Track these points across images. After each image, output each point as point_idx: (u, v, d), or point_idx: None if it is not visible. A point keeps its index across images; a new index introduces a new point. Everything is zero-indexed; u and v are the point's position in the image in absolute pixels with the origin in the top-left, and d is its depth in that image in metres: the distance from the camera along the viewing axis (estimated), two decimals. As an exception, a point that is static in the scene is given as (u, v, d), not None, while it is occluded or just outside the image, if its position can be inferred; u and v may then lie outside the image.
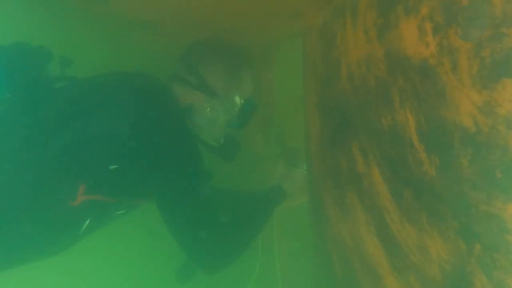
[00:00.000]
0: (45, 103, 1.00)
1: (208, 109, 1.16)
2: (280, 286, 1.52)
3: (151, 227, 1.50)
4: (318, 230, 1.29)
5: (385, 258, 0.78)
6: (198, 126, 1.17)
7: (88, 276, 1.63)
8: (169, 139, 1.00)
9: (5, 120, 0.99)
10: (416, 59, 0.56)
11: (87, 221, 1.02)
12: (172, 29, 1.23)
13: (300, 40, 1.20)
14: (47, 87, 1.04)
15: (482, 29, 0.40)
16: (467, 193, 0.50)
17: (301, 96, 1.29)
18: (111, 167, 0.95)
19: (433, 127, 0.56)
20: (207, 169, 1.06)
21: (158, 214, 1.03)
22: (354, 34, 0.75)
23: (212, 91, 1.14)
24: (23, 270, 1.02)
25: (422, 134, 0.59)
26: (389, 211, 0.74)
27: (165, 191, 0.99)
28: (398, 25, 0.58)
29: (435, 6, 0.48)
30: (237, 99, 1.20)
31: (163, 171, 0.97)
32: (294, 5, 0.94)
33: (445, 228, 0.56)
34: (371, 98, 0.74)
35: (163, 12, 1.09)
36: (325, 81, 1.01)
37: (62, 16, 1.23)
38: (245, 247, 1.10)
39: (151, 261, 1.67)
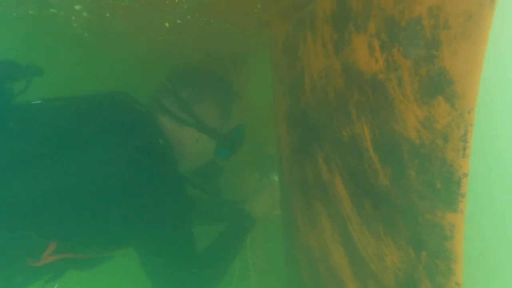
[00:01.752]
0: (12, 131, 0.80)
1: (198, 142, 1.12)
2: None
3: (123, 273, 1.42)
4: (289, 239, 1.30)
5: (348, 266, 0.80)
6: (186, 160, 1.12)
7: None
8: (155, 181, 0.89)
9: None
10: (368, 74, 0.58)
11: (56, 285, 0.89)
12: (144, 40, 1.21)
13: (268, 50, 1.22)
14: (16, 111, 0.83)
15: (419, 49, 0.43)
16: (416, 202, 0.52)
17: (271, 105, 1.31)
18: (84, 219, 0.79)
19: (385, 139, 0.58)
20: (190, 202, 0.98)
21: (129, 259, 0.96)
22: (314, 47, 0.77)
23: (202, 126, 1.10)
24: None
25: (377, 146, 0.61)
26: (351, 219, 0.76)
27: (147, 236, 0.89)
28: (351, 40, 0.60)
29: (380, 25, 0.50)
30: (226, 130, 1.18)
31: (149, 216, 0.87)
32: (261, 14, 0.96)
33: (398, 237, 0.58)
34: (332, 109, 0.77)
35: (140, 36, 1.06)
36: (291, 91, 1.03)
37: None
38: (221, 278, 1.07)
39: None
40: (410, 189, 0.53)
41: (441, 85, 0.41)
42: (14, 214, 0.75)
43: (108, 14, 0.99)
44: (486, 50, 0.34)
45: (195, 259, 0.98)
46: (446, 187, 0.44)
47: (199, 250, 1.02)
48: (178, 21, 0.99)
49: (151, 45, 1.20)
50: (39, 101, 0.91)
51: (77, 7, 0.95)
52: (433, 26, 0.39)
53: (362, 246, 0.72)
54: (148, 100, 1.15)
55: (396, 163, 0.56)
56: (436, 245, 0.47)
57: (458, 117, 0.39)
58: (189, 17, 0.95)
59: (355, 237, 0.74)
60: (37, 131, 0.82)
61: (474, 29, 0.33)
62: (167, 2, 0.87)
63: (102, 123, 0.90)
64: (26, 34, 1.15)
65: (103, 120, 0.92)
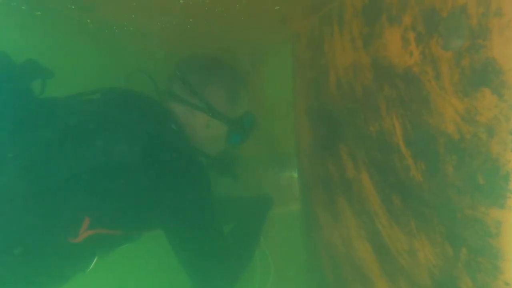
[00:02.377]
0: (38, 127, 0.88)
1: (208, 127, 1.14)
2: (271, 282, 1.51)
3: (149, 256, 1.46)
4: (310, 236, 1.29)
5: (375, 262, 0.79)
6: (199, 145, 1.14)
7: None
8: (175, 163, 0.94)
9: None
10: (400, 67, 0.57)
11: (95, 259, 0.95)
12: (163, 39, 1.22)
13: (289, 46, 1.21)
14: (39, 108, 0.92)
15: (462, 40, 0.42)
16: (453, 198, 0.51)
17: (291, 101, 1.30)
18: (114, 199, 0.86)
19: (418, 134, 0.57)
20: (211, 186, 1.02)
21: (156, 243, 0.99)
22: (341, 42, 0.76)
23: (212, 110, 1.13)
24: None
25: (409, 140, 0.60)
26: (379, 216, 0.75)
27: (175, 219, 0.94)
28: (383, 34, 0.59)
29: (417, 16, 0.49)
30: (237, 115, 1.20)
31: (171, 198, 0.92)
32: (283, 11, 0.95)
33: (432, 233, 0.56)
34: (359, 105, 0.75)
35: (154, 21, 1.08)
36: (314, 87, 1.02)
37: (49, 24, 1.20)
38: (247, 263, 1.09)
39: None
40: (446, 184, 0.52)
41: (487, 76, 0.40)
42: (51, 195, 0.82)
43: (133, 15, 1.01)
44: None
45: (222, 242, 1.00)
46: (491, 182, 0.43)
47: (227, 237, 1.04)
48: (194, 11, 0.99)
49: (166, 35, 1.22)
50: (63, 97, 1.00)
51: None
52: (481, 15, 0.37)
53: (391, 242, 0.71)
54: (162, 89, 1.18)
55: (431, 158, 0.55)
56: (478, 242, 0.46)
57: (507, 109, 0.38)
58: (206, 9, 0.95)
59: (383, 233, 0.73)
60: (67, 121, 0.91)
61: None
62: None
63: (118, 113, 0.97)
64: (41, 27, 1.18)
65: (133, 111, 0.99)
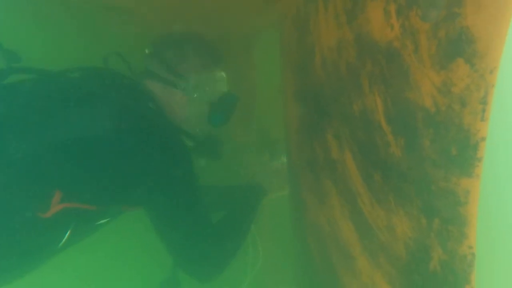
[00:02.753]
0: (7, 98, 0.86)
1: (188, 107, 1.13)
2: (261, 268, 1.55)
3: (131, 236, 1.46)
4: (297, 218, 1.31)
5: (357, 240, 0.81)
6: (179, 123, 1.14)
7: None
8: (154, 138, 0.93)
9: None
10: (382, 42, 0.57)
11: (67, 233, 0.89)
12: (145, 17, 1.19)
13: (277, 29, 1.20)
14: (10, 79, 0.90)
15: (439, 9, 0.42)
16: (429, 171, 0.52)
17: (280, 86, 1.30)
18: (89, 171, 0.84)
19: (399, 109, 0.57)
20: (195, 167, 1.01)
21: (141, 221, 0.97)
22: (326, 19, 0.75)
23: (188, 85, 1.12)
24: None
25: (389, 117, 0.61)
26: (361, 194, 0.76)
27: (156, 196, 0.92)
28: (366, 8, 0.59)
29: (398, -13, 0.49)
30: (214, 91, 1.18)
31: (152, 174, 0.90)
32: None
33: (409, 207, 0.58)
34: (343, 84, 0.75)
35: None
36: (301, 69, 1.02)
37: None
38: (237, 249, 1.08)
39: (133, 275, 1.64)
40: (423, 158, 0.53)
41: (461, 46, 0.40)
42: (18, 168, 0.79)
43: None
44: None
45: (210, 229, 0.99)
46: (462, 152, 0.44)
47: (214, 221, 1.03)
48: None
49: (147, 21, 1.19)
50: (41, 72, 0.97)
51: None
52: (456, -19, 0.37)
53: (372, 219, 0.72)
54: (139, 68, 1.16)
55: (410, 133, 0.55)
56: (449, 212, 0.47)
57: (478, 78, 0.38)
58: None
59: (364, 211, 0.75)
60: (41, 95, 0.89)
61: (501, -22, 0.32)
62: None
63: (95, 89, 0.95)
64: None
65: (111, 87, 0.97)
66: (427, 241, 0.52)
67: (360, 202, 0.77)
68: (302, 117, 1.11)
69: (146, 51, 1.17)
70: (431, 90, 0.48)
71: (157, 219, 0.95)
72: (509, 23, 0.33)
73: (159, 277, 1.20)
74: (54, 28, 1.30)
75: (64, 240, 0.89)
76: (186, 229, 0.95)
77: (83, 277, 1.59)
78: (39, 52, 1.05)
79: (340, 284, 0.93)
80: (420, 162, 0.54)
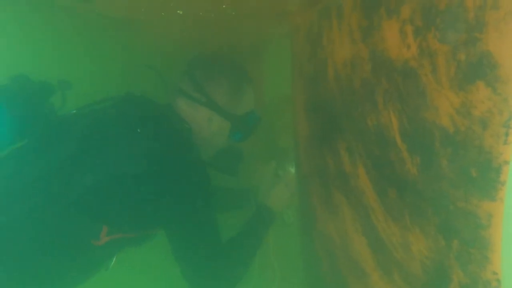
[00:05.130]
0: (58, 140, 0.99)
1: (210, 121, 1.17)
2: (276, 285, 1.54)
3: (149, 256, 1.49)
4: (307, 229, 1.31)
5: (370, 255, 0.80)
6: (202, 140, 1.18)
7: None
8: (179, 166, 1.00)
9: (23, 162, 0.98)
10: (398, 61, 0.57)
11: (114, 259, 1.06)
12: (170, 36, 1.22)
13: (288, 41, 1.21)
14: (57, 123, 1.03)
15: (458, 33, 0.42)
16: (446, 191, 0.51)
17: (290, 96, 1.30)
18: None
19: (414, 127, 0.57)
20: (212, 187, 1.07)
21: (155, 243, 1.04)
22: (340, 35, 0.76)
23: (216, 106, 1.16)
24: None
25: (405, 134, 0.60)
26: (374, 209, 0.76)
27: (176, 218, 0.99)
28: (381, 27, 0.59)
29: (415, 9, 0.49)
30: (240, 112, 1.22)
31: (175, 198, 0.98)
32: (281, 4, 0.95)
33: (426, 225, 0.57)
34: (357, 98, 0.76)
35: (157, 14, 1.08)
36: (313, 81, 1.02)
37: (55, 34, 1.20)
38: (244, 272, 1.12)
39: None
40: (441, 177, 0.52)
41: (482, 70, 0.40)
42: (72, 207, 0.92)
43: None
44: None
45: (220, 249, 1.03)
46: (483, 175, 0.43)
47: (225, 244, 1.07)
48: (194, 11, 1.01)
49: (170, 36, 1.22)
50: (74, 111, 1.09)
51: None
52: (478, 8, 0.38)
53: (386, 236, 0.72)
54: (171, 88, 1.22)
55: (426, 152, 0.55)
56: (469, 234, 0.47)
57: (500, 102, 0.38)
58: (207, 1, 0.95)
59: (378, 227, 0.74)
60: (81, 136, 1.00)
61: (527, 9, 0.32)
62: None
63: (130, 120, 1.05)
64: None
65: (131, 116, 1.06)
66: (445, 262, 0.51)
67: (373, 217, 0.77)
68: (313, 128, 1.11)
69: (180, 69, 1.22)
70: (449, 110, 0.48)
71: (174, 240, 1.01)
72: (535, 52, 0.33)
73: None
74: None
75: (112, 265, 1.06)
76: (199, 250, 1.00)
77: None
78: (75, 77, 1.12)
79: (352, 300, 0.92)
80: (437, 181, 0.53)
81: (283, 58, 1.29)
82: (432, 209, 0.56)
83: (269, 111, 1.66)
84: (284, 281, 1.53)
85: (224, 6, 0.97)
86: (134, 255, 1.16)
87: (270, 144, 1.70)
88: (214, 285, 1.04)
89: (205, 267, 0.99)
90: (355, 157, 0.81)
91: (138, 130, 1.00)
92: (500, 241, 0.41)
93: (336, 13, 0.76)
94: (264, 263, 1.48)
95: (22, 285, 0.93)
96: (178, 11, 1.05)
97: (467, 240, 0.47)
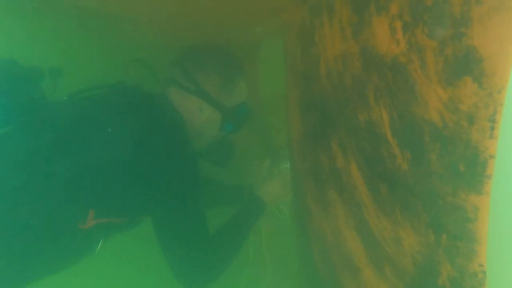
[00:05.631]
0: (47, 125, 0.99)
1: (201, 111, 1.17)
2: (268, 280, 1.54)
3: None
4: (301, 226, 1.31)
5: (363, 251, 0.80)
6: (193, 130, 1.18)
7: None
8: (168, 153, 1.01)
9: (10, 146, 0.97)
10: (388, 57, 0.57)
11: (101, 242, 1.05)
12: (162, 28, 1.22)
13: (281, 38, 1.21)
14: (47, 108, 1.02)
15: (445, 28, 0.42)
16: (436, 185, 0.52)
17: (283, 93, 1.30)
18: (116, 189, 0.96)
19: (405, 123, 0.58)
20: (202, 177, 1.08)
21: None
22: (331, 32, 0.76)
23: (207, 96, 1.16)
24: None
25: (395, 130, 0.61)
26: (366, 205, 0.76)
27: (163, 207, 1.00)
28: (371, 23, 0.59)
29: (404, 5, 0.49)
30: (232, 104, 1.21)
31: (163, 187, 0.98)
32: (273, 0, 0.95)
33: (416, 220, 0.58)
34: (349, 95, 0.76)
35: (152, 9, 1.08)
36: (305, 78, 1.02)
37: (49, 20, 1.19)
38: (230, 262, 1.13)
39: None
40: (430, 172, 0.53)
41: (468, 65, 0.40)
42: (59, 190, 0.93)
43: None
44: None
45: (206, 240, 1.04)
46: (470, 169, 0.44)
47: (211, 234, 1.07)
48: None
49: (160, 31, 1.22)
50: (65, 97, 1.09)
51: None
52: (463, 2, 0.38)
53: (377, 231, 0.72)
54: (163, 77, 1.22)
55: (416, 147, 0.55)
56: (457, 228, 0.47)
57: (486, 97, 0.39)
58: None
59: (370, 222, 0.75)
60: (71, 121, 1.01)
61: (509, 1, 0.32)
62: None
63: (121, 108, 1.05)
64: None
65: (121, 104, 1.07)
66: (435, 256, 0.52)
67: (365, 213, 0.77)
68: (306, 125, 1.11)
69: (172, 60, 1.22)
70: (438, 105, 0.48)
71: (160, 226, 1.01)
72: (518, 45, 0.34)
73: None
74: (73, 39, 1.33)
75: (98, 248, 1.04)
76: (185, 238, 1.00)
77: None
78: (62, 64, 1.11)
79: (345, 295, 0.92)
80: (427, 176, 0.54)
81: (277, 56, 1.29)
82: (422, 204, 0.56)
83: (264, 109, 1.66)
84: (277, 275, 1.54)
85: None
86: (120, 241, 1.17)
87: (265, 141, 1.71)
88: (197, 276, 1.04)
89: (190, 257, 1.00)
90: (347, 154, 0.82)
91: (109, 130, 1.01)
92: (486, 234, 0.41)
93: (327, 10, 0.76)
94: (257, 257, 1.48)
95: (6, 267, 0.92)
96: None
97: (455, 234, 0.47)
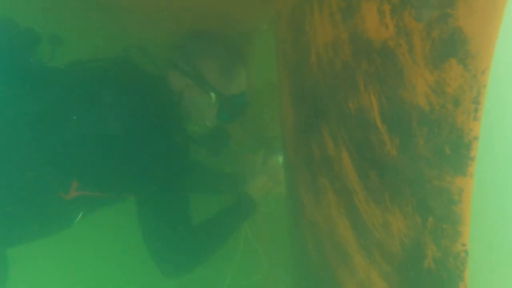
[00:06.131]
0: (40, 92, 0.97)
1: (200, 98, 1.16)
2: (265, 270, 1.56)
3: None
4: (294, 215, 1.32)
5: (353, 237, 0.81)
6: (188, 115, 1.18)
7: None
8: (160, 134, 1.00)
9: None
10: (377, 41, 0.57)
11: (80, 214, 1.05)
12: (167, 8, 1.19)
13: (273, 26, 1.19)
14: (41, 74, 1.00)
15: (432, 10, 0.42)
16: (423, 170, 0.52)
17: (276, 84, 1.30)
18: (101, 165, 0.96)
19: (393, 108, 0.58)
20: (191, 163, 1.08)
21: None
22: (321, 19, 0.75)
23: (206, 83, 1.15)
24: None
25: (385, 116, 0.61)
26: (357, 192, 0.77)
27: (150, 186, 0.99)
28: (360, 7, 0.59)
29: (391, -13, 0.49)
30: (230, 93, 1.20)
31: (151, 166, 0.98)
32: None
33: (404, 205, 0.58)
34: (339, 82, 0.76)
35: None
36: (297, 67, 1.02)
37: None
38: (209, 256, 1.12)
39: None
40: (418, 157, 0.53)
41: (454, 46, 0.40)
42: (48, 157, 0.93)
43: None
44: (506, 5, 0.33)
45: (190, 227, 1.03)
46: (456, 151, 0.44)
47: (195, 223, 1.06)
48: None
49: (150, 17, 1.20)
50: (62, 66, 1.07)
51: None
52: (449, -18, 0.37)
53: (367, 217, 0.73)
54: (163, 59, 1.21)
55: (405, 132, 0.56)
56: (443, 210, 0.48)
57: (470, 79, 0.39)
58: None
59: (360, 209, 0.76)
60: (65, 90, 0.99)
61: (493, -20, 0.32)
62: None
63: (118, 84, 1.04)
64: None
65: (119, 80, 1.05)
66: (421, 239, 0.53)
67: (356, 200, 0.78)
68: (299, 115, 1.11)
69: (173, 43, 1.20)
70: (425, 89, 0.48)
71: (143, 207, 1.01)
72: (500, 24, 0.33)
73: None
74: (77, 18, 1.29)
75: (77, 220, 1.05)
76: (166, 222, 1.00)
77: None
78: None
79: (336, 282, 0.94)
80: (415, 161, 0.54)
81: (269, 46, 1.28)
82: (409, 189, 0.57)
83: (258, 99, 1.65)
84: (272, 267, 1.56)
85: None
86: (101, 216, 1.17)
87: (258, 133, 1.70)
88: (177, 262, 1.03)
89: (172, 242, 1.00)
90: (338, 142, 0.82)
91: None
92: (470, 214, 0.42)
93: (317, -5, 0.75)
94: (248, 248, 1.49)
95: None
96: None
97: (441, 216, 0.48)
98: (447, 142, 0.46)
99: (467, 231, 0.43)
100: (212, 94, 1.16)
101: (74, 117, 0.95)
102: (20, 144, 0.92)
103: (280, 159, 1.43)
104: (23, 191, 0.93)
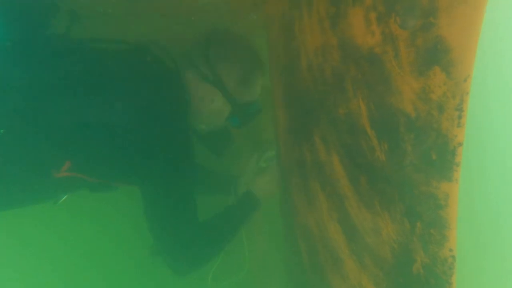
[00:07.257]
0: (50, 63, 0.94)
1: (213, 101, 1.16)
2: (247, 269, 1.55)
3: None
4: (287, 220, 1.32)
5: (345, 242, 0.81)
6: (198, 115, 1.17)
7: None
8: (166, 129, 0.99)
9: (2, 76, 0.92)
10: (364, 48, 0.58)
11: (65, 197, 1.05)
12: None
13: (265, 32, 1.20)
14: (51, 46, 0.97)
15: (415, 19, 0.42)
16: (411, 175, 0.53)
17: (269, 88, 1.30)
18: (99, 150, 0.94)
19: (382, 114, 0.58)
20: (196, 162, 1.07)
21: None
22: (310, 24, 0.76)
23: (223, 88, 1.14)
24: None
25: (373, 121, 0.61)
26: (348, 197, 0.77)
27: (156, 181, 0.98)
28: (348, 14, 0.59)
29: (377, -5, 0.49)
30: (244, 100, 1.20)
31: (152, 159, 0.96)
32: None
33: (393, 210, 0.59)
34: (329, 87, 0.76)
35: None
36: (288, 72, 1.02)
37: None
38: (217, 253, 1.12)
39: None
40: (406, 163, 0.54)
41: (437, 55, 0.41)
42: (50, 129, 0.92)
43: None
44: (484, 15, 0.33)
45: (195, 226, 1.03)
46: (441, 157, 0.44)
47: (201, 219, 1.06)
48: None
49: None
50: (78, 43, 1.03)
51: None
52: (430, -9, 0.38)
53: (358, 222, 0.73)
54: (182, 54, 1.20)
55: (393, 138, 0.56)
56: (430, 216, 0.48)
57: (453, 86, 0.39)
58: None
59: (351, 214, 0.76)
60: (76, 67, 0.97)
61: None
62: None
63: (131, 71, 1.03)
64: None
65: (133, 67, 1.04)
66: (410, 244, 0.53)
67: (347, 204, 0.78)
68: (291, 118, 1.11)
69: (195, 41, 1.18)
70: (411, 96, 0.49)
71: (150, 204, 1.00)
72: (479, 33, 0.34)
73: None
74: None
75: (60, 202, 1.05)
76: (174, 221, 0.99)
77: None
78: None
79: (328, 287, 0.94)
80: (403, 167, 0.54)
81: (263, 51, 1.28)
82: (398, 194, 0.57)
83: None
84: (254, 266, 1.54)
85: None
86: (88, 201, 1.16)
87: (254, 136, 1.70)
88: (186, 257, 1.03)
89: (181, 238, 0.99)
90: (329, 146, 0.82)
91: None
92: (456, 219, 0.42)
93: (306, 1, 0.76)
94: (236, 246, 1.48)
95: None
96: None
97: (428, 221, 0.48)
98: (433, 148, 0.46)
99: (454, 236, 0.43)
100: (227, 100, 1.16)
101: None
102: (26, 110, 0.89)
103: (275, 163, 1.43)
104: (20, 157, 0.91)
